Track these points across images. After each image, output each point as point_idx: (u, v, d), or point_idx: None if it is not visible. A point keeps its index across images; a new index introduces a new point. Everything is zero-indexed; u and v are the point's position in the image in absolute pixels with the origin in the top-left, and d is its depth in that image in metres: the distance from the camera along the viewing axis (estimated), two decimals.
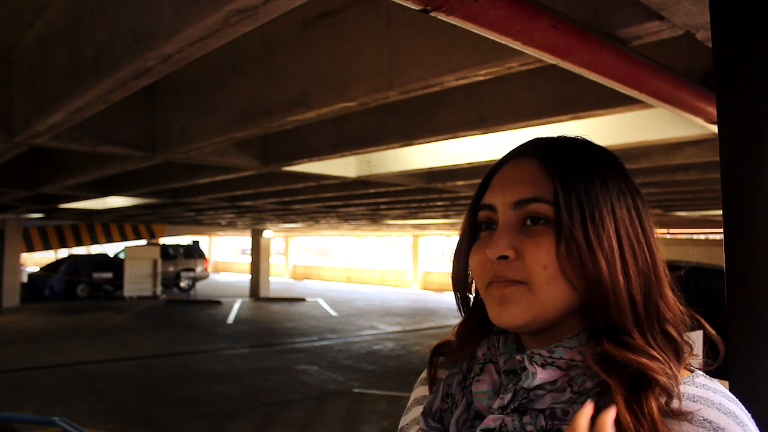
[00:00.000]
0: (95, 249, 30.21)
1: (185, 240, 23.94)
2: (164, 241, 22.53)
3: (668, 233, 17.20)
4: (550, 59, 1.76)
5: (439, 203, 9.77)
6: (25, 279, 18.99)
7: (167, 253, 21.12)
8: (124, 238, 20.70)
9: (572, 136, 0.74)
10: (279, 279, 29.03)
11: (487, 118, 3.48)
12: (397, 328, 12.90)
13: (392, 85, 2.50)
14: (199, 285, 22.62)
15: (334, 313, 15.45)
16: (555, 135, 0.75)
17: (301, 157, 4.83)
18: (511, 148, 0.75)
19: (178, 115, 3.99)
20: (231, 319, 14.32)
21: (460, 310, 0.78)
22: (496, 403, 0.66)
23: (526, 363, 0.65)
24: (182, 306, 17.11)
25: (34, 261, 30.23)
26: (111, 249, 28.27)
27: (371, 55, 2.55)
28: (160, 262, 19.63)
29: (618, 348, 0.61)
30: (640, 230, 0.67)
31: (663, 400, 0.59)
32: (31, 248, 18.85)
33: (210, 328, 12.73)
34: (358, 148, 4.31)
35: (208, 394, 7.12)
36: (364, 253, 45.63)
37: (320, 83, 2.81)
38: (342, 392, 7.20)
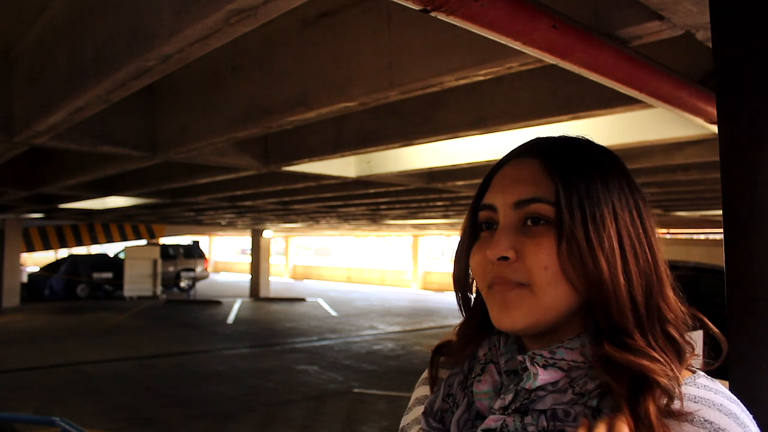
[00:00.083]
0: (95, 249, 30.21)
1: (185, 240, 23.94)
2: (164, 241, 22.53)
3: (668, 233, 17.20)
4: (550, 59, 1.76)
5: (439, 203, 9.77)
6: (25, 279, 19.00)
7: (167, 253, 21.12)
8: (124, 238, 20.70)
9: (573, 136, 0.73)
10: (279, 279, 29.03)
11: (487, 118, 3.48)
12: (397, 328, 12.90)
13: (392, 85, 2.50)
14: (199, 285, 22.62)
15: (334, 313, 15.45)
16: (556, 135, 0.74)
17: (301, 157, 4.83)
18: (512, 148, 0.75)
19: (178, 115, 3.99)
20: (231, 319, 14.32)
21: (461, 310, 0.78)
22: (498, 404, 0.66)
23: (528, 364, 0.65)
24: (182, 306, 17.11)
25: (34, 261, 30.23)
26: (111, 249, 28.27)
27: (371, 55, 2.55)
28: (160, 262, 19.64)
29: (619, 350, 0.61)
30: (641, 230, 0.67)
31: (664, 401, 0.59)
32: (31, 248, 18.85)
33: (210, 328, 12.73)
34: (358, 148, 4.31)
35: (208, 394, 7.12)
36: (364, 253, 45.62)
37: (320, 83, 2.81)
38: (342, 392, 7.20)
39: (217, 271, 35.21)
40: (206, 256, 24.13)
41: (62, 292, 18.44)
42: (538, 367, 0.64)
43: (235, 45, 3.12)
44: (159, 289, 19.53)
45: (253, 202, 9.69)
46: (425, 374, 0.83)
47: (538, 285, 0.64)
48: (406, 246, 33.68)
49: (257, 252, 20.56)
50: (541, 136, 0.75)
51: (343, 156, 4.60)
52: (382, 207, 10.68)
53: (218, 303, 17.54)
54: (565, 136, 0.73)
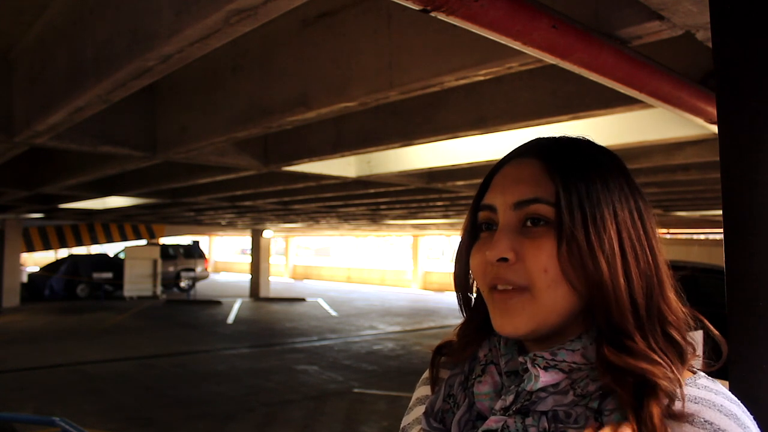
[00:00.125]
0: (95, 249, 30.21)
1: (185, 240, 23.94)
2: (164, 241, 22.53)
3: (668, 233, 17.20)
4: (550, 59, 1.76)
5: (439, 203, 9.77)
6: (25, 279, 19.00)
7: (167, 253, 21.12)
8: (124, 238, 20.70)
9: (574, 137, 0.73)
10: (279, 279, 29.03)
11: (487, 118, 3.48)
12: (397, 328, 12.90)
13: (392, 85, 2.50)
14: (199, 285, 22.62)
15: (334, 313, 15.45)
16: (557, 135, 0.74)
17: (301, 157, 4.83)
18: (512, 148, 0.75)
19: (178, 115, 3.99)
20: (231, 319, 14.32)
21: (461, 311, 0.78)
22: (498, 405, 0.66)
23: (529, 366, 0.65)
24: (182, 306, 17.11)
25: (34, 261, 30.23)
26: (111, 249, 28.27)
27: (371, 55, 2.55)
28: (160, 262, 19.64)
29: (618, 353, 0.61)
30: (642, 231, 0.66)
31: (666, 402, 0.58)
32: (31, 248, 18.85)
33: (210, 328, 12.73)
34: (358, 148, 4.31)
35: (208, 394, 7.12)
36: (364, 253, 45.62)
37: (320, 83, 2.81)
38: (342, 392, 7.20)
39: (217, 271, 35.21)
40: (206, 256, 24.13)
41: (62, 292, 18.44)
42: (539, 368, 0.64)
43: (235, 45, 3.12)
44: (159, 289, 19.54)
45: (253, 202, 9.69)
46: (426, 374, 0.83)
47: (537, 287, 0.64)
48: (406, 246, 33.68)
49: (257, 252, 20.56)
50: (541, 136, 0.75)
51: (343, 156, 4.60)
52: (382, 207, 10.68)
53: (218, 303, 17.54)
54: (566, 137, 0.73)
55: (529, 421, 0.63)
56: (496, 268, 0.66)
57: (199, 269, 22.33)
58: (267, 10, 1.57)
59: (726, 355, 0.72)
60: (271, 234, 21.37)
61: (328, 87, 2.77)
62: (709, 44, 1.47)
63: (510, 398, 0.65)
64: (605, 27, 1.83)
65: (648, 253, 0.66)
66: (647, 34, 1.82)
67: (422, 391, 0.82)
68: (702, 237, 16.50)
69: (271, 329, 12.69)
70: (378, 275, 27.50)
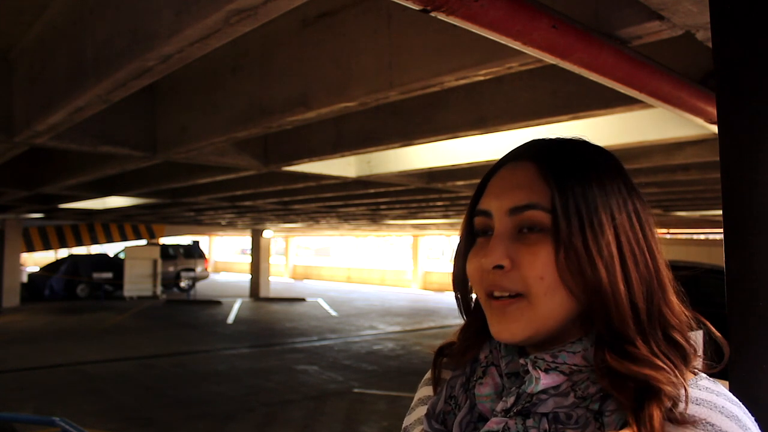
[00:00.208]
0: (95, 249, 30.21)
1: (185, 240, 23.94)
2: (164, 241, 22.53)
3: (668, 233, 17.20)
4: (550, 59, 1.76)
5: (439, 203, 9.77)
6: (25, 279, 19.00)
7: (167, 253, 21.12)
8: (124, 238, 20.71)
9: (570, 138, 0.72)
10: (279, 279, 29.03)
11: (487, 118, 3.48)
12: (397, 328, 12.90)
13: (392, 85, 2.50)
14: (199, 285, 22.62)
15: (334, 313, 15.45)
16: (552, 137, 0.73)
17: (301, 157, 4.83)
18: (511, 149, 0.74)
19: (178, 115, 3.99)
20: (231, 319, 14.33)
21: (461, 313, 0.78)
22: (499, 406, 0.66)
23: (530, 368, 0.65)
24: (182, 306, 17.11)
25: (34, 261, 30.23)
26: (111, 249, 28.27)
27: (371, 55, 2.55)
28: (160, 262, 19.64)
29: (621, 360, 0.60)
30: (640, 235, 0.66)
31: (668, 405, 0.58)
32: (31, 248, 18.85)
33: (210, 328, 12.73)
34: (358, 148, 4.31)
35: (208, 394, 7.12)
36: (364, 253, 45.62)
37: (320, 83, 2.81)
38: (342, 392, 7.20)
39: (217, 271, 35.21)
40: (206, 256, 24.14)
41: (62, 292, 18.44)
42: (540, 371, 0.64)
43: (235, 45, 3.12)
44: (159, 289, 19.54)
45: (253, 202, 9.69)
46: (428, 375, 0.83)
47: (534, 294, 0.63)
48: (406, 246, 33.68)
49: (257, 252, 20.56)
50: (537, 138, 0.74)
51: (343, 156, 4.60)
52: (382, 207, 10.68)
53: (218, 303, 17.54)
54: (562, 138, 0.72)
55: (529, 422, 0.62)
56: (492, 275, 0.66)
57: (199, 269, 22.33)
58: (267, 10, 1.57)
59: (728, 356, 0.71)
60: (271, 234, 21.37)
61: (328, 87, 2.77)
62: (709, 44, 1.47)
63: (511, 400, 0.65)
64: (605, 27, 1.83)
65: (647, 256, 0.65)
66: (647, 34, 1.82)
67: (424, 391, 0.82)
68: (702, 237, 16.50)
69: (271, 329, 12.69)
70: (378, 275, 27.50)
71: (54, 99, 2.82)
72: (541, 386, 0.63)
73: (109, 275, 19.03)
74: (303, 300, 19.19)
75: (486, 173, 0.74)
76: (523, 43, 1.58)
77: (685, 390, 0.59)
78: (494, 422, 0.65)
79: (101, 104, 2.64)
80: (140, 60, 2.01)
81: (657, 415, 0.57)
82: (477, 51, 2.21)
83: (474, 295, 0.76)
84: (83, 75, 2.44)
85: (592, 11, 1.85)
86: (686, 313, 0.67)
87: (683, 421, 0.58)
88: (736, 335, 0.99)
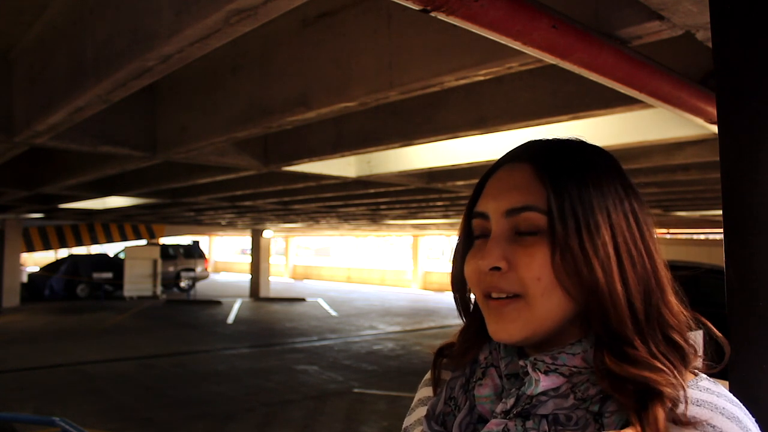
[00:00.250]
0: (95, 249, 30.21)
1: (185, 240, 23.94)
2: (164, 241, 22.53)
3: (668, 233, 17.20)
4: (550, 59, 1.76)
5: (439, 203, 9.77)
6: (25, 279, 19.00)
7: (167, 253, 21.12)
8: (124, 238, 20.71)
9: (566, 138, 0.72)
10: (279, 279, 29.04)
11: (487, 118, 3.48)
12: (397, 328, 12.90)
13: (392, 85, 2.50)
14: (199, 285, 22.62)
15: (334, 313, 15.45)
16: (549, 138, 0.73)
17: (301, 157, 4.83)
18: (507, 151, 0.74)
19: (178, 115, 3.99)
20: (231, 319, 14.33)
21: (460, 314, 0.78)
22: (499, 408, 0.66)
23: (529, 370, 0.65)
24: (182, 306, 17.11)
25: (34, 261, 30.23)
26: (111, 249, 28.27)
27: (371, 55, 2.55)
28: (160, 262, 19.64)
29: (619, 362, 0.60)
30: (638, 235, 0.66)
31: (669, 407, 0.58)
32: (31, 248, 18.86)
33: (210, 328, 12.73)
34: (358, 148, 4.31)
35: (208, 394, 7.12)
36: (364, 253, 45.62)
37: (320, 83, 2.81)
38: (342, 392, 7.20)
39: (217, 271, 35.21)
40: (206, 256, 24.13)
41: (62, 292, 18.44)
42: (539, 373, 0.64)
43: (235, 45, 3.12)
44: (159, 289, 19.53)
45: (253, 202, 9.69)
46: (428, 375, 0.83)
47: (531, 295, 0.64)
48: (406, 246, 33.67)
49: (257, 252, 20.56)
50: (534, 139, 0.74)
51: (343, 156, 4.60)
52: (382, 207, 10.68)
53: (218, 303, 17.55)
54: (559, 139, 0.72)
55: (529, 424, 0.62)
56: (490, 277, 0.66)
57: (199, 269, 22.33)
58: (267, 10, 1.57)
59: (728, 356, 0.71)
60: (271, 234, 21.37)
61: (328, 87, 2.77)
62: (709, 44, 1.46)
63: (510, 401, 0.65)
64: (605, 27, 1.83)
65: (645, 256, 0.65)
66: (647, 34, 1.82)
67: (424, 392, 0.82)
68: (702, 237, 16.50)
69: (271, 329, 12.69)
70: (378, 275, 27.50)
71: (54, 99, 2.82)
72: (540, 388, 0.63)
73: (109, 275, 19.03)
74: (303, 300, 19.19)
75: (483, 175, 0.74)
76: (523, 43, 1.58)
77: (684, 390, 0.59)
78: (494, 424, 0.65)
79: (101, 104, 2.64)
80: (140, 60, 2.01)
81: (661, 415, 0.57)
82: (477, 51, 2.21)
83: (473, 296, 0.76)
84: (83, 75, 2.44)
85: (592, 11, 1.85)
86: (685, 313, 0.67)
87: (684, 422, 0.58)
88: (736, 335, 0.99)
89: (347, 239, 42.30)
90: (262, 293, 20.00)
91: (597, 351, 0.63)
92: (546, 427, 0.62)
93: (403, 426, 0.81)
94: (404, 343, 10.95)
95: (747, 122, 1.00)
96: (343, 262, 37.40)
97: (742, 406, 0.61)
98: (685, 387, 0.60)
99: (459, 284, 0.76)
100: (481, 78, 2.36)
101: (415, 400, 0.83)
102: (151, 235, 21.21)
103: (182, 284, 21.28)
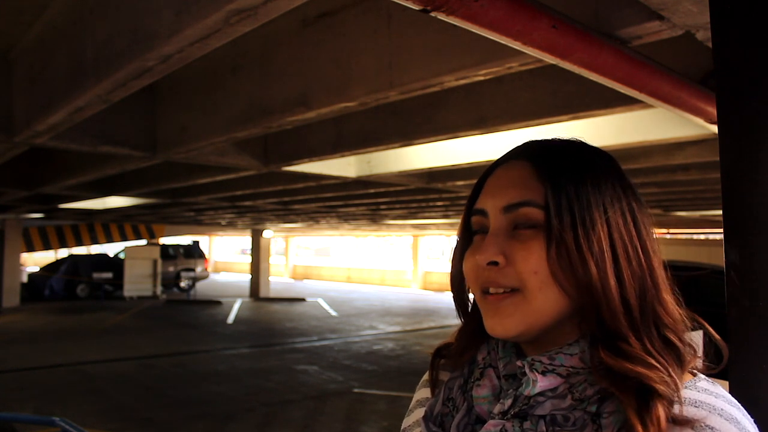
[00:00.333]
0: (95, 249, 30.21)
1: (185, 240, 23.94)
2: (164, 241, 22.53)
3: (668, 233, 17.20)
4: (550, 59, 1.76)
5: (439, 203, 9.77)
6: (25, 279, 18.99)
7: (167, 253, 21.12)
8: (124, 238, 20.71)
9: (566, 138, 0.73)
10: (279, 279, 29.04)
11: (487, 118, 3.48)
12: (397, 328, 12.90)
13: (392, 85, 2.50)
14: (199, 285, 22.62)
15: (334, 313, 15.45)
16: (549, 137, 0.74)
17: (301, 157, 4.83)
18: (506, 151, 0.75)
19: (178, 115, 3.99)
20: (231, 319, 14.32)
21: (458, 314, 0.79)
22: (497, 408, 0.66)
23: (527, 370, 0.65)
24: (182, 306, 17.11)
25: (34, 261, 30.22)
26: (111, 249, 28.27)
27: (371, 55, 2.55)
28: (160, 262, 19.64)
29: (614, 357, 0.61)
30: (635, 233, 0.66)
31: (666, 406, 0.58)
32: (31, 248, 18.85)
33: (210, 328, 12.73)
34: (358, 148, 4.31)
35: (208, 394, 7.12)
36: (364, 253, 45.62)
37: (320, 83, 2.81)
38: (342, 392, 7.20)
39: (217, 271, 35.21)
40: (206, 256, 24.13)
41: (62, 292, 18.44)
42: (537, 373, 0.64)
43: (235, 45, 3.12)
44: (159, 289, 19.53)
45: (253, 202, 9.69)
46: (426, 376, 0.83)
47: (529, 289, 0.64)
48: (406, 246, 33.67)
49: (257, 252, 20.56)
50: (534, 138, 0.74)
51: (343, 156, 4.60)
52: (382, 207, 10.68)
53: (218, 303, 17.54)
54: (558, 139, 0.73)
55: (527, 425, 0.62)
56: (487, 272, 0.66)
57: (199, 269, 22.33)
58: (267, 10, 1.57)
59: (727, 358, 0.71)
60: (271, 234, 21.37)
61: (328, 87, 2.77)
62: (709, 44, 1.46)
63: (508, 402, 0.65)
64: (605, 27, 1.83)
65: (641, 254, 0.65)
66: (647, 34, 1.82)
67: (422, 393, 0.82)
68: (702, 237, 16.50)
69: (271, 329, 12.69)
70: (378, 275, 27.49)
71: (54, 99, 2.82)
72: (538, 388, 0.63)
73: (109, 275, 19.03)
74: (303, 300, 19.19)
75: (482, 174, 0.75)
76: (523, 43, 1.58)
77: (678, 389, 0.59)
78: (491, 425, 0.65)
79: (101, 104, 2.64)
80: (140, 60, 2.01)
81: (662, 415, 0.57)
82: (477, 51, 2.21)
83: (472, 296, 0.76)
84: (83, 75, 2.44)
85: (592, 11, 1.85)
86: (681, 312, 0.67)
87: (680, 421, 0.58)
88: (736, 335, 0.99)
89: (347, 239, 42.30)
90: (262, 293, 20.00)
91: (592, 347, 0.63)
92: (543, 428, 0.62)
93: (402, 427, 0.81)
94: (404, 343, 10.95)
95: (747, 122, 1.00)
96: (343, 262, 37.40)
97: (741, 407, 0.61)
98: (680, 387, 0.60)
99: (458, 283, 0.76)
100: (481, 78, 2.36)
101: (414, 401, 0.83)
102: (151, 235, 21.20)
103: (182, 284, 21.28)
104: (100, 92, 2.42)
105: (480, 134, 3.71)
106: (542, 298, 0.64)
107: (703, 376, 0.65)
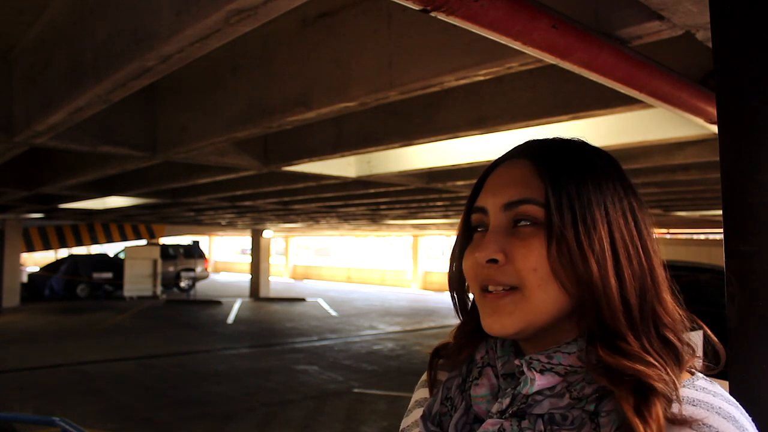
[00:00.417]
0: (95, 249, 30.21)
1: (185, 240, 23.94)
2: (164, 241, 22.53)
3: (668, 233, 17.20)
4: (550, 59, 1.76)
5: (439, 203, 9.77)
6: (25, 279, 18.99)
7: (167, 253, 21.12)
8: (124, 238, 20.71)
9: (567, 138, 0.73)
10: (279, 279, 29.04)
11: (487, 118, 3.48)
12: (397, 328, 12.90)
13: (392, 85, 2.50)
14: (199, 285, 22.62)
15: (334, 313, 15.45)
16: (550, 137, 0.74)
17: (301, 157, 4.83)
18: (507, 150, 0.75)
19: (178, 115, 3.99)
20: (231, 319, 14.32)
21: (457, 314, 0.78)
22: (495, 408, 0.66)
23: (525, 369, 0.65)
24: (182, 306, 17.11)
25: (34, 261, 30.22)
26: (111, 249, 28.27)
27: (371, 55, 2.55)
28: (160, 262, 19.64)
29: (612, 355, 0.61)
30: (635, 233, 0.66)
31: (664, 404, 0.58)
32: (31, 248, 18.85)
33: (210, 328, 12.73)
34: (358, 148, 4.31)
35: (208, 394, 7.12)
36: (364, 253, 45.61)
37: (320, 83, 2.81)
38: (342, 392, 7.20)
39: (217, 271, 35.21)
40: (206, 256, 24.13)
41: (62, 292, 18.44)
42: (535, 372, 0.64)
43: (235, 45, 3.12)
44: (159, 289, 19.53)
45: (253, 202, 9.69)
46: (424, 376, 0.83)
47: (527, 287, 0.64)
48: (406, 246, 33.67)
49: (257, 252, 20.56)
50: (535, 138, 0.75)
51: (343, 156, 4.60)
52: (382, 207, 10.68)
53: (218, 303, 17.54)
54: (559, 138, 0.73)
55: (525, 424, 0.62)
56: (487, 270, 0.66)
57: (199, 269, 22.32)
58: (267, 10, 1.57)
59: (724, 360, 0.71)
60: (271, 234, 21.37)
61: (328, 87, 2.77)
62: (709, 44, 1.46)
63: (506, 401, 0.65)
64: (605, 27, 1.83)
65: (642, 253, 0.65)
66: (647, 34, 1.82)
67: (420, 393, 0.82)
68: (702, 237, 16.50)
69: (271, 329, 12.69)
70: (378, 275, 27.49)
71: (54, 99, 2.82)
72: (536, 387, 0.63)
73: (109, 275, 19.03)
74: (303, 300, 19.19)
75: (483, 172, 0.75)
76: (523, 43, 1.58)
77: (676, 388, 0.59)
78: (490, 424, 0.65)
79: (101, 104, 2.64)
80: (140, 60, 2.01)
81: (660, 412, 0.57)
82: (477, 51, 2.21)
83: (471, 295, 0.76)
84: (83, 75, 2.44)
85: (592, 11, 1.85)
86: (680, 312, 0.67)
87: (679, 420, 0.58)
88: (736, 335, 0.99)
89: (347, 239, 42.30)
90: (262, 293, 20.00)
91: (590, 345, 0.63)
92: (542, 427, 0.62)
93: (401, 428, 0.81)
94: (404, 343, 10.95)
95: (747, 122, 1.00)
96: (343, 262, 37.40)
97: (739, 406, 0.61)
98: (678, 385, 0.60)
99: (457, 282, 0.76)
100: (481, 78, 2.36)
101: (412, 401, 0.83)
102: (151, 235, 21.20)
103: (182, 284, 21.28)
104: (100, 92, 2.42)
105: (480, 134, 3.71)
106: (541, 296, 0.64)
107: (701, 375, 0.65)
